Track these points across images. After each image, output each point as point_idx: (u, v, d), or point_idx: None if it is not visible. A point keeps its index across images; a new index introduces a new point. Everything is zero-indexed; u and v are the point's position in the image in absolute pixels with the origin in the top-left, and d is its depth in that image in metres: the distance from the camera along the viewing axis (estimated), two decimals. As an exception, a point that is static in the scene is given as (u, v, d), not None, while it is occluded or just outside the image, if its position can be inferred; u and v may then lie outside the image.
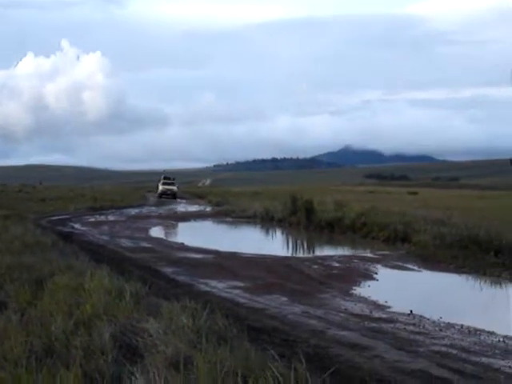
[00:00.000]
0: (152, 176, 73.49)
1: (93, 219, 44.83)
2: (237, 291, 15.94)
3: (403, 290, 17.63)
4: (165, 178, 77.12)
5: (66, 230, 34.25)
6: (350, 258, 22.57)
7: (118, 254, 23.58)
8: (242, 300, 14.70)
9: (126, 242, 28.44)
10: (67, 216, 46.15)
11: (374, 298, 15.00)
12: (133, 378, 6.65)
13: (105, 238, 30.72)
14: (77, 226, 38.23)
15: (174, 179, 78.08)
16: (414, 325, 12.20)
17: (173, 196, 70.46)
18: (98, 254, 21.68)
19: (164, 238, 32.33)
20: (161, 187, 74.09)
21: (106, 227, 37.51)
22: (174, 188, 73.43)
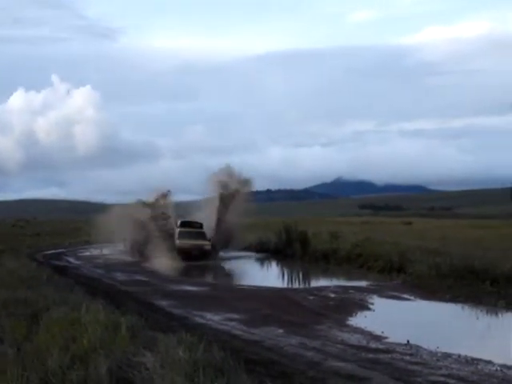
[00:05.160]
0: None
1: (88, 253, 44.71)
2: (233, 323, 15.87)
3: (400, 320, 17.57)
4: (184, 225, 39.11)
5: (61, 263, 34.16)
6: (345, 288, 22.51)
7: (112, 287, 23.50)
8: (238, 332, 14.64)
9: (120, 276, 28.34)
10: (62, 250, 46.05)
11: (370, 328, 14.94)
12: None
13: (99, 271, 30.62)
14: (71, 259, 38.13)
15: (201, 225, 39.34)
16: (411, 355, 12.14)
17: (203, 256, 36.86)
18: (93, 287, 21.60)
19: (158, 270, 32.21)
20: (178, 242, 37.61)
21: (100, 261, 37.43)
22: (206, 244, 37.77)
